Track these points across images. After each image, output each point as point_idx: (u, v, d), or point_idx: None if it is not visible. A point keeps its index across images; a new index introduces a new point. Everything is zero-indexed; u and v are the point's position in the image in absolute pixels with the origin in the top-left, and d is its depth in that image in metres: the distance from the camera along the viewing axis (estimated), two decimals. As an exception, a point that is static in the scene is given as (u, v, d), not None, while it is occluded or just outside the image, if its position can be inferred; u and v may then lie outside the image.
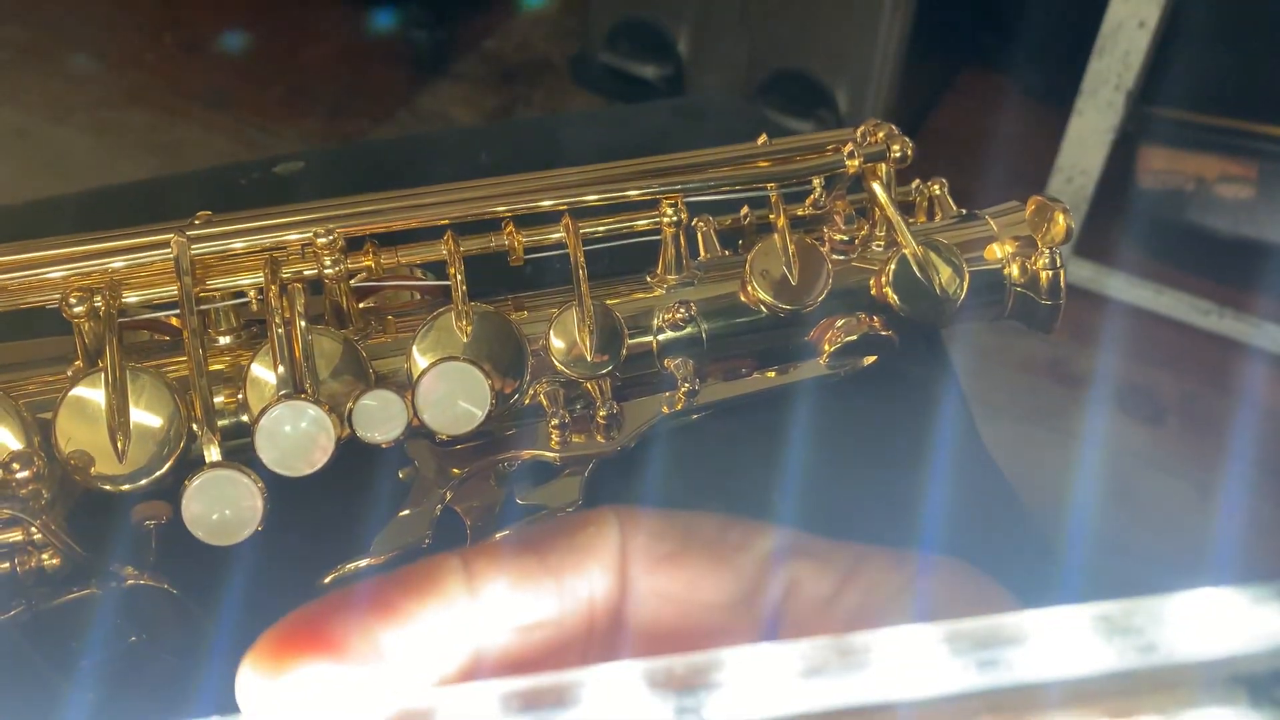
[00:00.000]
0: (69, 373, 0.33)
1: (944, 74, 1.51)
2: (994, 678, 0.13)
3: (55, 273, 0.33)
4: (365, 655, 0.16)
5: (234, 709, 0.18)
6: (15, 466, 0.29)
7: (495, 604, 0.17)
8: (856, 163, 0.37)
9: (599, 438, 0.36)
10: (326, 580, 0.34)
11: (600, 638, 0.18)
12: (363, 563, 0.34)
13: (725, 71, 1.41)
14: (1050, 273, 0.38)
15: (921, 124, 1.47)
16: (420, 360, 0.34)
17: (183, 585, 0.33)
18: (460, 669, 0.17)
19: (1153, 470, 1.12)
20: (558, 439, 0.35)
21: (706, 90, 1.40)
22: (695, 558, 0.18)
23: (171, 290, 0.33)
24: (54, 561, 0.30)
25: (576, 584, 0.17)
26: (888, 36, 1.29)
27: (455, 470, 0.35)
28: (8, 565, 0.30)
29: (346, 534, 0.35)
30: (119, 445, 0.31)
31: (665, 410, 0.37)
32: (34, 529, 0.29)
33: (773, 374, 0.38)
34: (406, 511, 0.35)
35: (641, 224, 0.36)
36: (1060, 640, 0.13)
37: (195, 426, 0.32)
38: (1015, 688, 0.13)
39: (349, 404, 0.32)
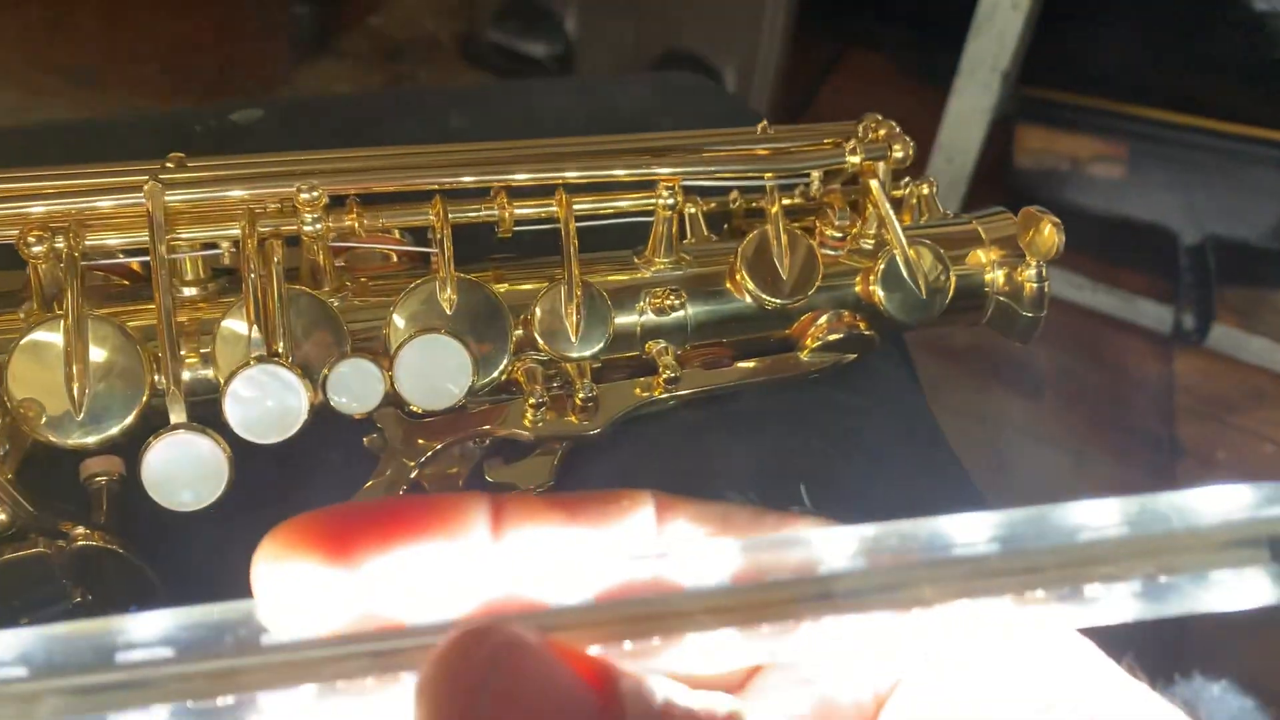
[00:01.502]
0: (20, 314, 0.32)
1: (828, 54, 1.54)
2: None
3: (11, 209, 0.31)
4: (372, 571, 0.15)
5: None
6: (-35, 416, 0.27)
7: (517, 552, 0.16)
8: (858, 159, 0.36)
9: (575, 419, 0.35)
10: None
11: None
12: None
13: (614, 51, 1.41)
14: (1035, 285, 0.38)
15: (807, 104, 1.49)
16: (401, 328, 0.32)
17: (132, 545, 0.31)
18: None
19: (1031, 441, 1.15)
20: (533, 418, 0.34)
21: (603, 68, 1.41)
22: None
23: (139, 236, 0.31)
24: (0, 517, 0.28)
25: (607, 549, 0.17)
26: (774, 16, 1.30)
27: (423, 442, 0.34)
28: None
29: (305, 502, 0.34)
30: (75, 397, 0.29)
31: (643, 395, 0.36)
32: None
33: (752, 364, 0.37)
34: (371, 483, 0.34)
35: (635, 204, 0.35)
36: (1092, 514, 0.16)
37: (160, 380, 0.30)
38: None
39: (324, 370, 0.31)
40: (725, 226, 0.40)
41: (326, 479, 0.35)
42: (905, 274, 0.36)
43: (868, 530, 0.16)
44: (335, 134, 0.50)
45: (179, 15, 1.49)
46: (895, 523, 0.16)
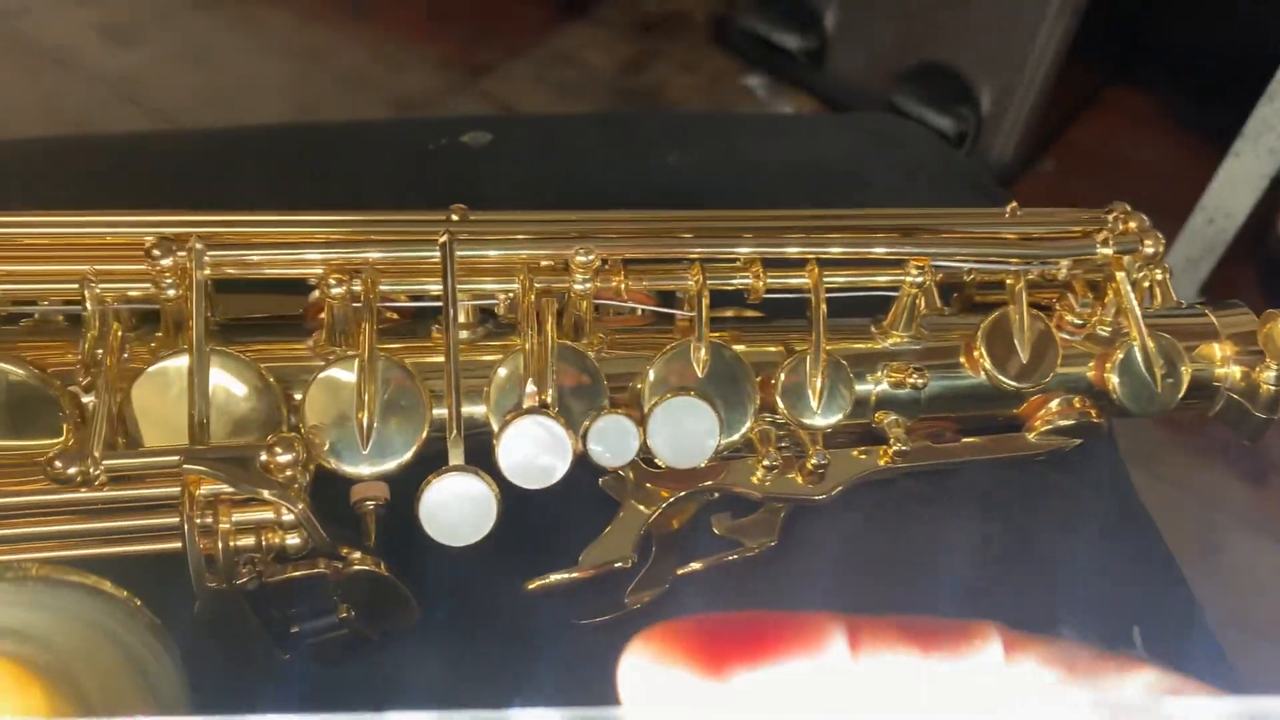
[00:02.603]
0: (309, 344, 0.34)
1: (1091, 86, 1.48)
2: None
3: (313, 254, 0.33)
4: (740, 684, 0.17)
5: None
6: (278, 450, 0.30)
7: (870, 677, 0.17)
8: (1109, 252, 0.36)
9: (803, 482, 0.36)
10: (531, 587, 0.35)
11: None
12: (567, 576, 0.35)
13: (869, 52, 1.38)
14: (1273, 388, 0.38)
15: (1059, 135, 1.44)
16: (654, 385, 0.34)
17: (395, 567, 0.34)
18: None
19: (1247, 530, 1.10)
20: (764, 478, 0.36)
21: (849, 79, 1.38)
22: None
23: (426, 283, 0.34)
24: (295, 541, 0.31)
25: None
26: (1048, 39, 1.26)
27: (656, 490, 0.36)
28: (252, 540, 0.31)
29: (548, 540, 0.36)
30: (364, 431, 0.32)
31: (871, 464, 0.37)
32: (285, 510, 0.30)
33: (978, 441, 0.38)
34: (610, 528, 0.35)
35: (882, 279, 0.36)
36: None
37: (445, 415, 0.32)
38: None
39: (586, 423, 0.33)
40: (955, 296, 0.40)
41: (565, 513, 0.37)
42: (1143, 368, 0.36)
43: (1229, 704, 0.16)
44: (558, 164, 0.52)
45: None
46: (1255, 699, 0.16)
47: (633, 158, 0.52)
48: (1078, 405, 0.37)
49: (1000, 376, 0.36)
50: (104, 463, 0.29)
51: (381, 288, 0.33)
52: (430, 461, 0.33)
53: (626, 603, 0.36)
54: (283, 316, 0.36)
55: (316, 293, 0.35)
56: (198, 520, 0.30)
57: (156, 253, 0.31)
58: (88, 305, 0.31)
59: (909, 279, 0.36)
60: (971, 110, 1.35)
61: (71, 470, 0.29)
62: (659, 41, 1.52)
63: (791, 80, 1.43)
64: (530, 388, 0.33)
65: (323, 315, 0.35)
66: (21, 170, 0.45)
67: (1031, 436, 0.38)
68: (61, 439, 0.32)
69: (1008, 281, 0.37)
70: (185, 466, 0.29)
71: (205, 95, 1.33)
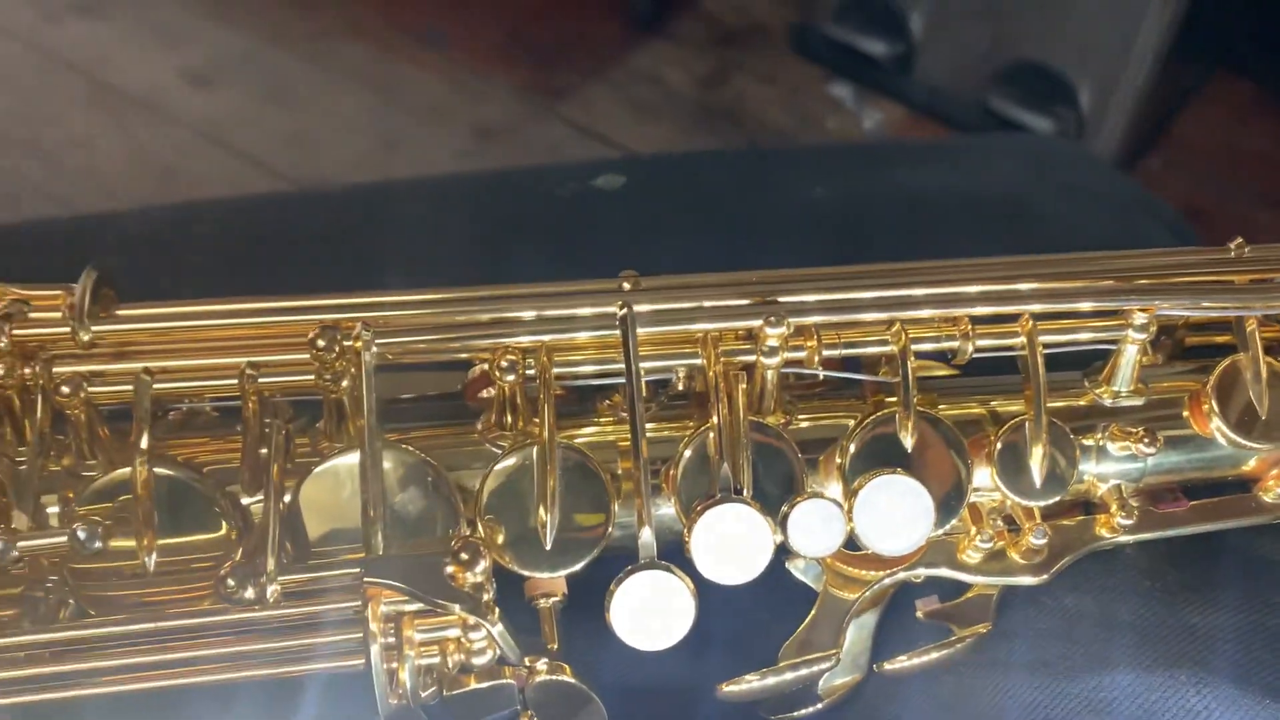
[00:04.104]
0: (477, 427, 0.32)
1: (1196, 77, 1.41)
2: None
3: (482, 339, 0.31)
4: None
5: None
6: (464, 557, 0.27)
7: None
8: (1358, 291, 0.32)
9: (1020, 560, 0.33)
10: (725, 688, 0.32)
11: None
12: (767, 681, 0.31)
13: (959, 55, 1.34)
14: None
15: (1163, 130, 1.38)
16: (857, 464, 0.31)
17: (577, 666, 0.31)
18: None
19: None
20: (976, 558, 0.32)
21: (940, 83, 1.34)
22: None
23: (605, 360, 0.31)
24: (484, 658, 0.28)
25: None
26: (1149, 32, 1.20)
27: (866, 576, 0.33)
28: (436, 656, 0.28)
29: (738, 633, 0.33)
30: (545, 528, 0.29)
31: (1093, 537, 0.33)
32: (472, 623, 0.27)
33: (1207, 503, 0.34)
34: (811, 621, 0.32)
35: (1102, 333, 0.32)
36: None
37: (631, 513, 0.29)
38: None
39: (785, 509, 0.30)
40: (1163, 339, 0.36)
41: (753, 602, 0.34)
42: (1402, 418, 0.32)
43: None
44: (696, 204, 0.49)
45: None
46: None
47: (775, 190, 0.48)
48: (1319, 461, 0.33)
49: (1238, 437, 0.32)
50: (279, 578, 0.27)
51: (561, 370, 0.30)
52: (612, 551, 0.30)
53: (820, 694, 0.33)
54: (443, 395, 0.33)
55: (478, 368, 0.32)
56: (379, 638, 0.27)
57: (321, 343, 0.28)
58: (249, 404, 0.29)
59: (1131, 333, 0.32)
60: (1071, 109, 1.30)
61: (247, 593, 0.26)
62: (737, 54, 1.49)
63: (878, 87, 1.39)
64: (723, 471, 0.30)
65: (485, 394, 0.32)
66: (151, 240, 0.44)
67: (1266, 496, 0.34)
68: (222, 533, 0.29)
69: (1237, 323, 0.33)
70: (367, 580, 0.27)
71: (289, 135, 1.33)
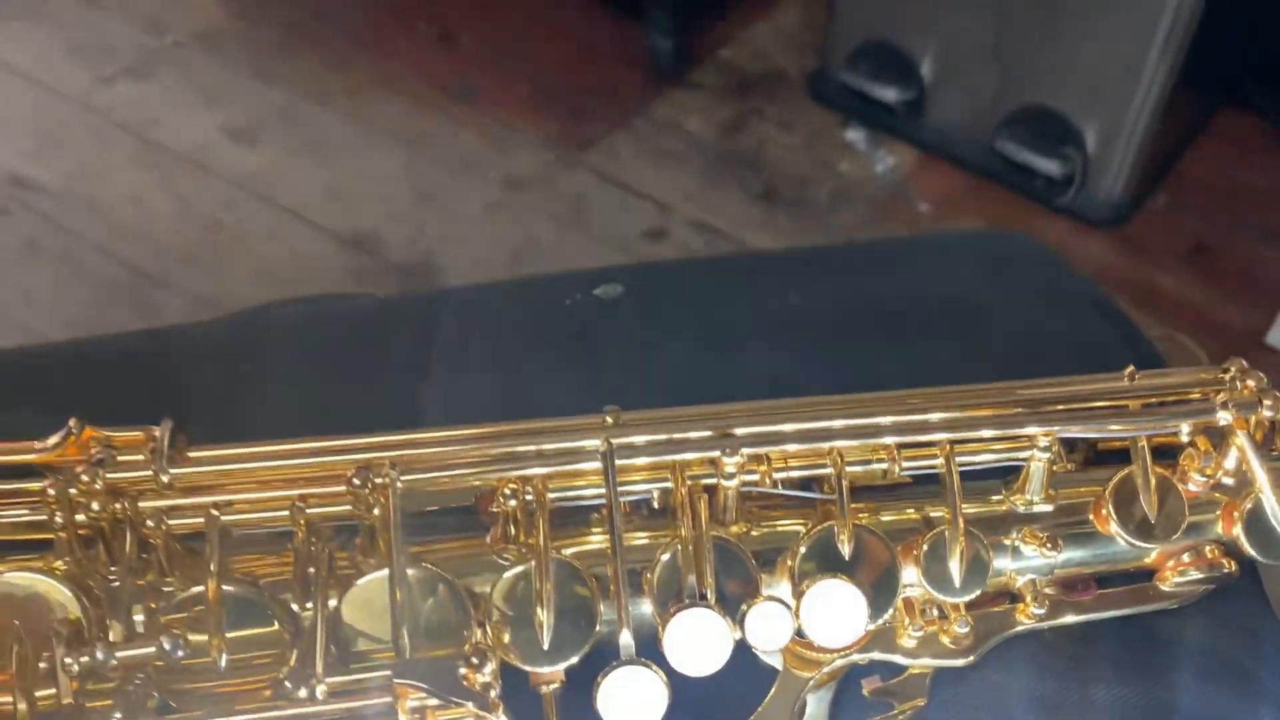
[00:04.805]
0: (487, 539, 0.38)
1: (1200, 115, 1.45)
2: None
3: (490, 474, 0.37)
4: None
5: None
6: (475, 661, 0.33)
7: None
8: (1230, 417, 0.38)
9: (950, 644, 0.38)
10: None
11: None
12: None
13: (969, 100, 1.38)
14: None
15: (1170, 167, 1.42)
16: (804, 568, 0.37)
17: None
18: None
19: None
20: (912, 644, 0.38)
21: (950, 127, 1.38)
22: None
23: (586, 476, 0.37)
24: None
25: None
26: (1154, 72, 1.24)
27: (820, 657, 0.39)
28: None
29: (703, 709, 0.39)
30: (544, 629, 0.35)
31: (1013, 622, 0.39)
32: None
33: (1114, 592, 0.40)
34: (771, 698, 0.38)
35: (1009, 453, 0.38)
36: None
37: (614, 613, 0.35)
38: None
39: (743, 609, 0.36)
40: (1080, 445, 0.42)
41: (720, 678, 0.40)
42: (1273, 523, 0.38)
43: None
44: (690, 311, 0.55)
45: (551, 38, 1.57)
46: None
47: (757, 297, 0.54)
48: (1210, 557, 0.39)
49: (1130, 539, 0.38)
50: (325, 680, 0.33)
51: (555, 495, 0.37)
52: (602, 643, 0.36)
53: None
54: (459, 509, 0.40)
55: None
56: (407, 727, 0.33)
57: (357, 481, 0.35)
58: (299, 531, 0.36)
59: (1038, 448, 0.38)
60: (1077, 151, 1.34)
61: (300, 692, 0.33)
62: (756, 101, 1.54)
63: (891, 131, 1.45)
64: (689, 580, 0.36)
65: (494, 509, 0.38)
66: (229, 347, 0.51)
67: (1165, 586, 0.40)
68: (275, 629, 0.36)
69: (1132, 442, 0.39)
70: (396, 680, 0.33)
71: (328, 189, 1.39)
